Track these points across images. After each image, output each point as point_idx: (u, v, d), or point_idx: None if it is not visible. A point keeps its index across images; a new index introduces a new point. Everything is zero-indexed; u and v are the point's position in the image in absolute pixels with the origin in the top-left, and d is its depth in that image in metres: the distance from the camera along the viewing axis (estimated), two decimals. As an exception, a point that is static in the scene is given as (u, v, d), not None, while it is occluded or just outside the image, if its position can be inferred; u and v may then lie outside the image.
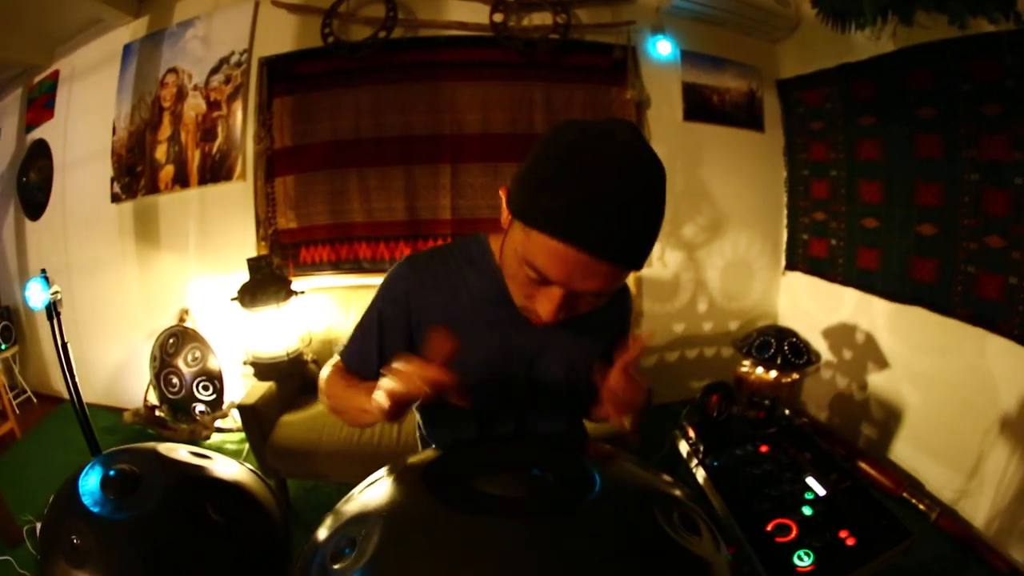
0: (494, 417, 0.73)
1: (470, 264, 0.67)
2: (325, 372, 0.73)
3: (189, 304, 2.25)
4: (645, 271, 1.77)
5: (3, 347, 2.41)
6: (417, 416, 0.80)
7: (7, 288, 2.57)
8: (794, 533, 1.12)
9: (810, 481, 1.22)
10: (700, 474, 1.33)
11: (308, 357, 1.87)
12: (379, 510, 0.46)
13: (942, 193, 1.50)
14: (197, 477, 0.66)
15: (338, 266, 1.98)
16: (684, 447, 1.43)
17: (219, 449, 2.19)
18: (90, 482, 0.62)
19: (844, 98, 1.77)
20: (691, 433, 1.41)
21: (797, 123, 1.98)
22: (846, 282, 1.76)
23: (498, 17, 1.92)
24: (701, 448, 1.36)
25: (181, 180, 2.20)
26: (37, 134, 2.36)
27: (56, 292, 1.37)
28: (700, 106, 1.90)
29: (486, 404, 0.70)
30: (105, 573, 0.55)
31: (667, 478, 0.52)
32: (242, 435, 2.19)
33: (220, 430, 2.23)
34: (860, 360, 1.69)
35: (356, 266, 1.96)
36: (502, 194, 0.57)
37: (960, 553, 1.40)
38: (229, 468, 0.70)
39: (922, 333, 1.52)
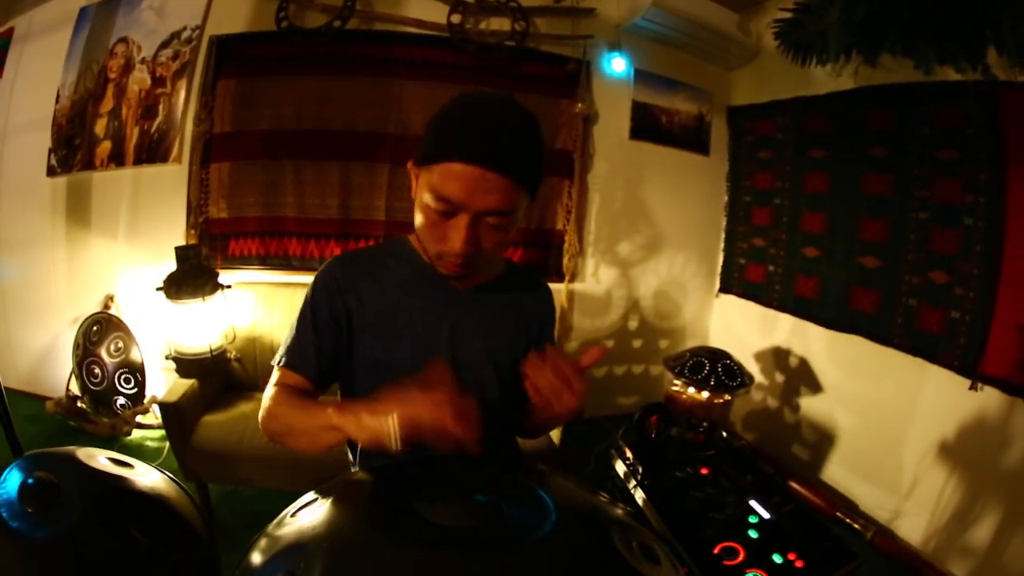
0: None
1: (392, 257, 0.73)
2: (268, 393, 0.69)
3: (115, 291, 2.14)
4: (577, 285, 1.78)
5: None
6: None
7: None
8: (742, 556, 1.10)
9: (754, 504, 1.21)
10: (639, 495, 1.32)
11: (231, 355, 1.80)
12: (319, 540, 0.43)
13: (888, 229, 1.54)
14: (118, 489, 0.61)
15: (266, 261, 1.91)
16: (621, 467, 1.42)
17: (140, 447, 2.09)
18: (7, 489, 0.56)
19: (795, 129, 1.82)
20: (628, 453, 1.40)
21: (744, 150, 2.03)
22: (782, 308, 1.81)
23: (456, 18, 1.89)
24: (640, 469, 1.35)
25: (117, 158, 2.09)
26: None
27: None
28: (648, 126, 1.92)
29: None
30: None
31: (613, 501, 0.51)
32: (163, 432, 2.11)
33: (141, 426, 2.14)
34: (793, 383, 1.75)
35: (285, 262, 1.90)
36: (409, 167, 0.65)
37: (898, 571, 1.43)
38: (151, 479, 0.66)
39: (859, 360, 1.56)
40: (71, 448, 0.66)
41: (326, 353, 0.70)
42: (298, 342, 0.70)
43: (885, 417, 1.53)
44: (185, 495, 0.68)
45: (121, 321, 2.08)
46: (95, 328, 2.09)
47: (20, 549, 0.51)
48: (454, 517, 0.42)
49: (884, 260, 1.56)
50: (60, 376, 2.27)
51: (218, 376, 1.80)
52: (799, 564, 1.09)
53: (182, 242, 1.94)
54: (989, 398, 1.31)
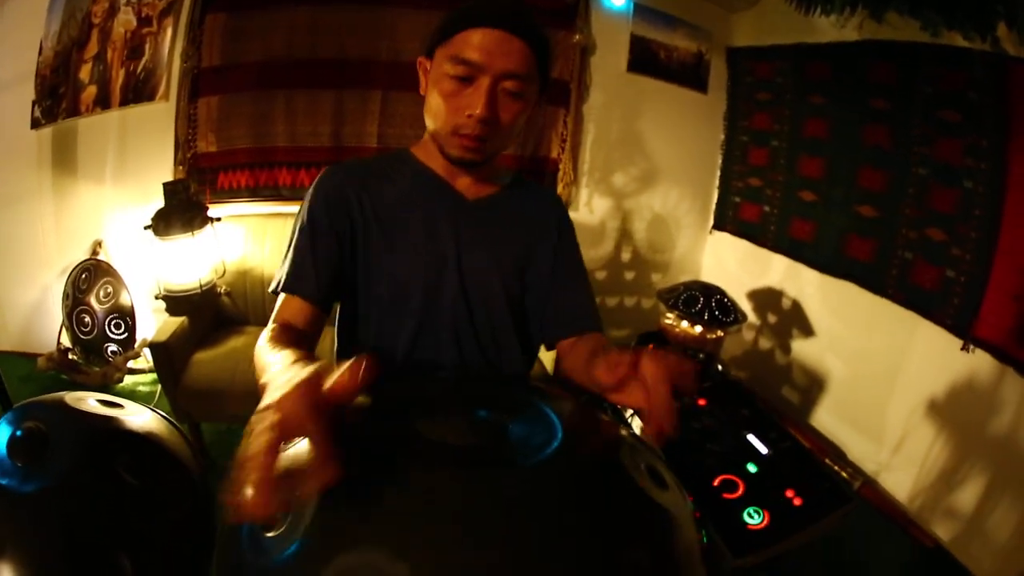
0: (433, 339, 0.68)
1: (395, 166, 0.70)
2: (265, 330, 0.61)
3: (103, 236, 2.11)
4: (571, 214, 1.76)
5: None
6: (336, 343, 0.74)
7: None
8: (741, 490, 1.09)
9: (751, 439, 1.19)
10: (636, 423, 1.30)
11: (221, 289, 1.78)
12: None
13: (886, 181, 1.52)
14: (108, 432, 0.59)
15: (256, 192, 1.89)
16: None
17: (132, 393, 2.07)
18: None
19: (796, 74, 1.78)
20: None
21: (743, 91, 1.99)
22: (776, 248, 1.79)
23: (449, -51, 1.84)
24: None
25: (103, 101, 2.03)
26: None
27: None
28: (646, 60, 1.88)
29: (422, 312, 0.67)
30: (20, 559, 0.47)
31: (619, 423, 0.48)
32: (155, 376, 2.09)
33: (132, 371, 2.12)
34: (785, 325, 1.73)
35: (275, 193, 1.88)
36: (419, 63, 0.66)
37: (884, 524, 1.43)
38: (143, 419, 0.63)
39: (852, 308, 1.54)
40: (60, 394, 0.63)
41: (326, 267, 0.65)
42: (295, 259, 0.66)
43: (875, 368, 1.52)
44: (178, 433, 0.65)
45: (110, 266, 2.06)
46: (84, 276, 2.05)
47: (10, 506, 0.49)
48: (458, 436, 0.39)
49: (881, 211, 1.54)
50: (51, 331, 2.24)
51: (208, 312, 1.78)
52: (797, 502, 1.07)
53: (169, 178, 1.91)
54: (980, 362, 1.28)
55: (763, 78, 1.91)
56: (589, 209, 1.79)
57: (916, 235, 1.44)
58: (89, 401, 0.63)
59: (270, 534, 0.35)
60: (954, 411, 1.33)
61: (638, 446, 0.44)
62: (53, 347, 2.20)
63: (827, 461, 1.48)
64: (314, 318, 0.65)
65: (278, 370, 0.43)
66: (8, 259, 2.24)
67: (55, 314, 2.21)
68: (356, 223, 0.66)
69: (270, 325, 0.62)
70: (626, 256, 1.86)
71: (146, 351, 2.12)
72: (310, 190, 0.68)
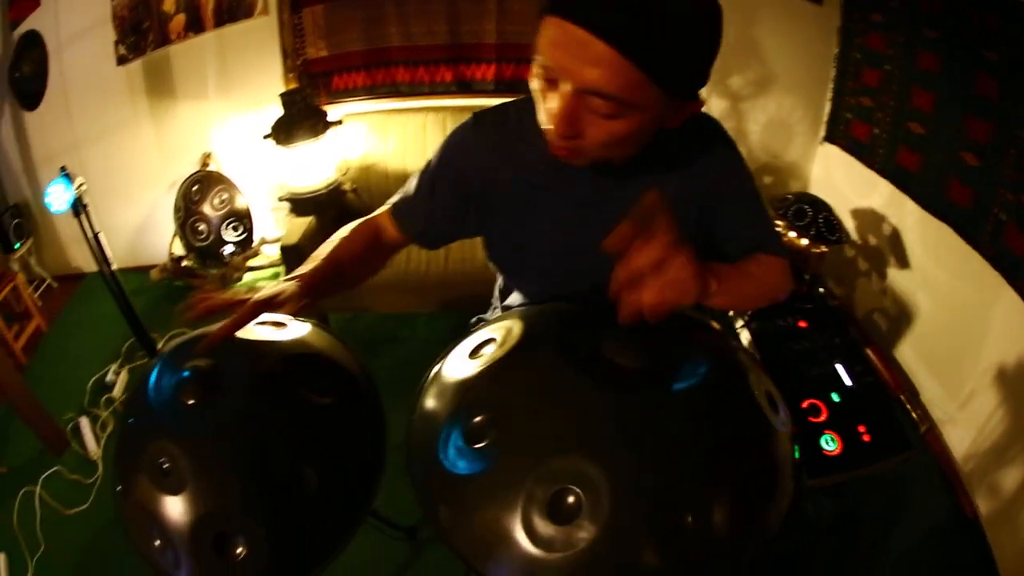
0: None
1: (532, 127, 0.57)
2: (362, 219, 0.68)
3: (212, 148, 2.20)
4: None
5: (17, 245, 2.31)
6: (498, 277, 0.78)
7: (14, 186, 2.43)
8: (824, 416, 1.12)
9: (839, 368, 1.21)
10: (745, 336, 1.35)
11: (347, 187, 1.85)
12: (516, 381, 0.44)
13: (991, 134, 1.38)
14: (280, 355, 0.57)
15: (373, 91, 1.93)
16: None
17: (252, 289, 2.22)
18: (163, 389, 0.52)
19: (910, 5, 1.67)
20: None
21: (858, 8, 1.90)
22: (882, 172, 1.73)
23: None
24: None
25: (195, 26, 2.05)
26: (25, 27, 2.13)
27: (81, 185, 1.25)
28: (763, -39, 1.79)
29: (555, 275, 0.65)
30: (203, 492, 0.47)
31: (744, 349, 0.54)
32: (274, 271, 2.24)
33: (252, 268, 2.25)
34: (883, 252, 1.71)
35: (393, 90, 1.91)
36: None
37: (937, 475, 1.42)
38: (303, 331, 0.60)
39: (946, 251, 1.49)
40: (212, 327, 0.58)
41: (438, 222, 0.66)
42: (414, 196, 0.66)
43: (959, 318, 1.48)
44: (339, 343, 0.64)
45: (222, 175, 2.16)
46: (195, 188, 2.16)
47: (193, 444, 0.49)
48: (627, 357, 0.44)
49: (983, 162, 1.44)
50: (157, 245, 2.40)
51: (334, 209, 1.84)
52: (866, 439, 1.11)
53: (279, 87, 1.96)
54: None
55: None
56: (706, 109, 1.81)
57: (1013, 198, 1.33)
58: (251, 326, 0.58)
59: (478, 445, 0.41)
60: (1021, 387, 1.26)
61: (761, 375, 0.49)
62: (162, 259, 2.37)
63: (901, 398, 1.54)
64: (402, 243, 0.69)
65: (287, 277, 0.58)
66: (110, 185, 2.34)
67: (161, 229, 2.36)
68: (487, 193, 0.63)
69: (366, 218, 0.68)
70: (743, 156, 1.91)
71: (265, 248, 2.26)
72: (445, 143, 0.65)
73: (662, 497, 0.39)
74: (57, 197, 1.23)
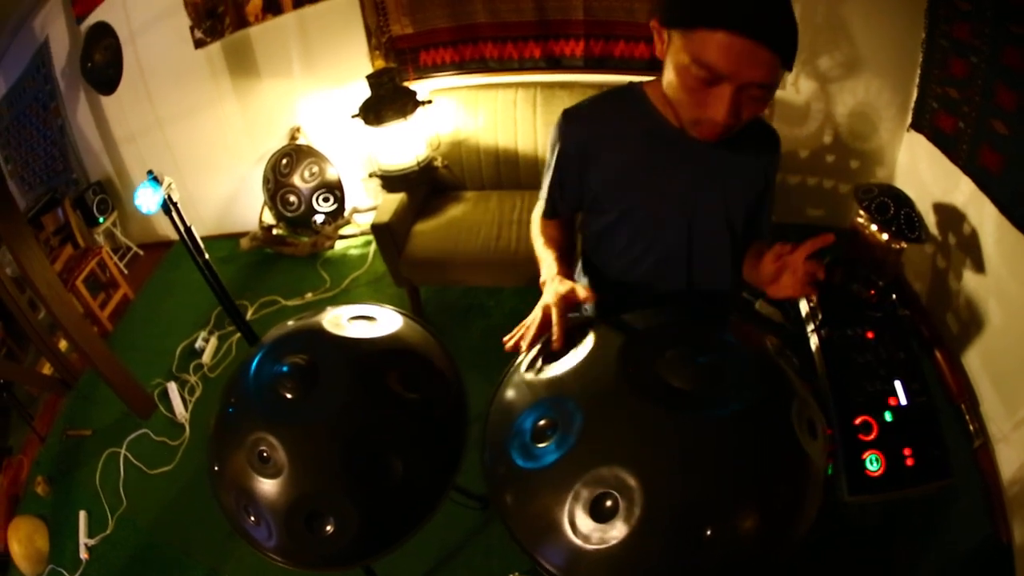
0: (664, 266, 0.79)
1: (629, 112, 0.72)
2: (535, 214, 0.86)
3: (300, 122, 2.31)
4: (779, 94, 1.79)
5: (102, 220, 2.50)
6: (580, 246, 0.90)
7: (95, 165, 2.61)
8: (874, 434, 1.09)
9: (897, 385, 1.18)
10: (813, 341, 1.32)
11: (438, 162, 1.86)
12: (578, 394, 0.50)
13: None
14: (373, 352, 0.60)
15: (462, 66, 1.94)
16: (804, 306, 1.45)
17: (343, 257, 2.30)
18: (263, 380, 0.55)
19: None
20: (813, 296, 1.40)
21: None
22: (965, 170, 1.65)
23: None
24: (819, 315, 1.36)
25: (273, 8, 2.11)
26: (92, 19, 2.24)
27: (170, 186, 1.28)
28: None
29: (657, 248, 0.77)
30: (298, 478, 0.51)
31: (797, 368, 0.57)
32: (365, 239, 2.34)
33: (343, 237, 2.38)
34: (960, 253, 1.63)
35: (482, 65, 1.92)
36: (654, 25, 0.62)
37: (980, 493, 1.35)
38: (395, 325, 0.64)
39: (1022, 262, 1.42)
40: (315, 319, 0.64)
41: (568, 199, 0.81)
42: (550, 191, 0.81)
43: None
44: (432, 337, 0.68)
45: (311, 148, 2.28)
46: (284, 161, 2.31)
47: (291, 435, 0.52)
48: (679, 378, 0.50)
49: None
50: (245, 214, 2.58)
51: (425, 184, 1.87)
52: (910, 463, 1.08)
53: (365, 64, 2.02)
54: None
55: (964, -12, 1.69)
56: (795, 89, 1.77)
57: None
58: (344, 322, 0.63)
59: (541, 445, 0.47)
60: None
61: (806, 400, 0.52)
62: (250, 228, 2.56)
63: (962, 407, 1.49)
64: (566, 224, 0.86)
65: (550, 276, 0.72)
66: (197, 160, 2.51)
67: (249, 199, 2.53)
68: (600, 177, 0.75)
69: (539, 218, 0.84)
70: (827, 139, 1.85)
71: (357, 217, 2.37)
72: (556, 137, 0.76)
73: (687, 511, 0.44)
74: (146, 200, 1.26)
